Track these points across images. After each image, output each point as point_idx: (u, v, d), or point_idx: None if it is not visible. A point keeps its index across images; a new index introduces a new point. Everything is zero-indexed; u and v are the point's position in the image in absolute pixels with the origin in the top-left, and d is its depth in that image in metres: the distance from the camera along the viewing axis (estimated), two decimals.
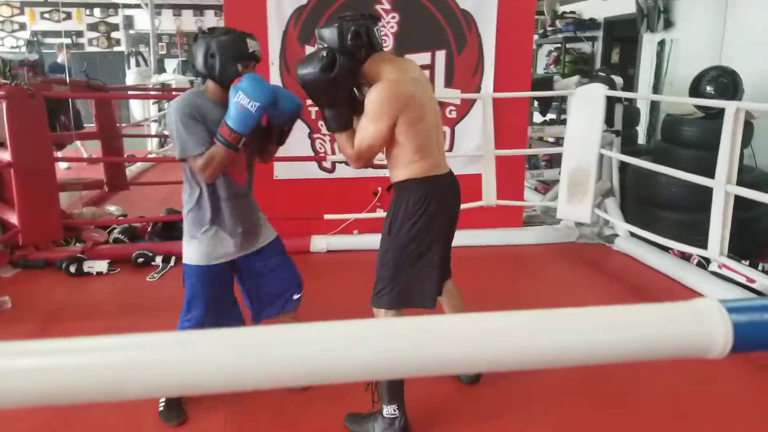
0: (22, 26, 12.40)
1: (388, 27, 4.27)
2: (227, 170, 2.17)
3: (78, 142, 6.78)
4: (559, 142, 5.24)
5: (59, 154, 5.45)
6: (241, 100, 2.00)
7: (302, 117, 4.32)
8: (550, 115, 6.67)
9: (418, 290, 2.19)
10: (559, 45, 8.28)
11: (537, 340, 0.48)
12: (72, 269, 3.87)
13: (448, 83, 4.41)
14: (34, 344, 0.48)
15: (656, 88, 6.47)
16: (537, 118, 6.13)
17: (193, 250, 2.24)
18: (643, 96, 6.50)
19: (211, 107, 2.14)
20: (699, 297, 0.53)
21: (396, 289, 2.19)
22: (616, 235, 4.47)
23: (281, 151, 4.22)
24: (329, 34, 2.07)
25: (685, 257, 3.88)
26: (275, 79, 4.24)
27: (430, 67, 4.36)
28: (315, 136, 4.39)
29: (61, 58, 8.56)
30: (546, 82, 5.06)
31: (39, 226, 3.93)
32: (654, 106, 6.34)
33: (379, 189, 4.40)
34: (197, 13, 12.82)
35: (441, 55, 4.36)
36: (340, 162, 4.38)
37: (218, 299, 2.31)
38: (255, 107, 2.00)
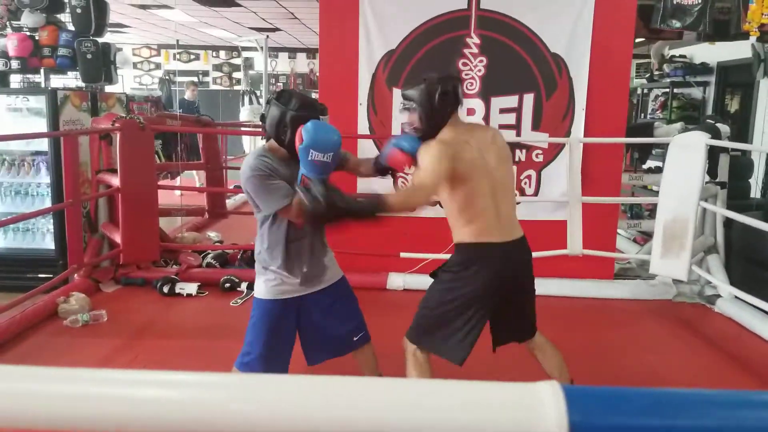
0: (158, 66, 13.75)
1: (475, 71, 4.28)
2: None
3: (194, 172, 7.33)
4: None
5: (178, 181, 5.91)
6: (316, 157, 2.04)
7: None
8: (655, 163, 6.32)
9: (444, 345, 2.21)
10: (667, 90, 7.86)
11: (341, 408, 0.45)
12: (165, 289, 4.13)
13: (536, 126, 4.32)
14: (96, 372, 0.52)
15: None
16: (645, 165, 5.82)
17: (263, 286, 2.32)
18: (752, 147, 5.97)
19: (278, 165, 2.20)
20: None
21: (426, 336, 2.24)
22: (718, 296, 4.08)
23: (364, 188, 4.36)
24: (416, 93, 2.16)
25: None
26: (363, 119, 4.37)
27: (517, 110, 4.30)
28: (398, 174, 4.44)
29: (189, 94, 9.38)
30: (645, 129, 4.80)
31: (139, 247, 4.25)
32: None
33: None
34: (310, 56, 13.57)
35: (529, 98, 4.29)
36: None
37: (280, 337, 2.33)
38: (330, 157, 2.06)
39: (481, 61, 4.26)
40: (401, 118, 4.27)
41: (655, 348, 3.52)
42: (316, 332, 2.39)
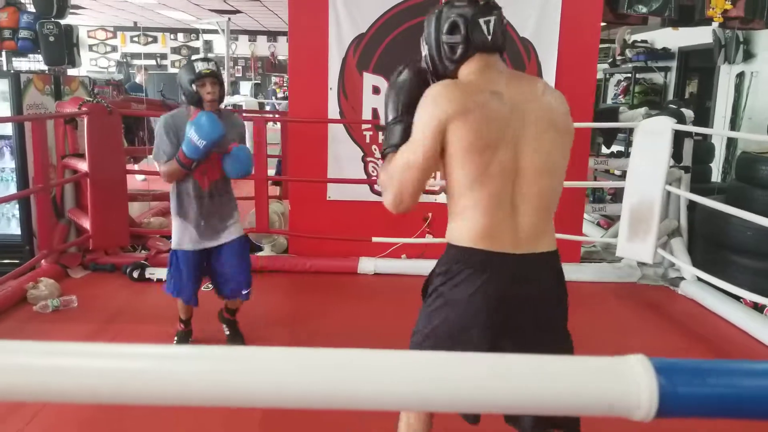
0: (114, 48, 13.31)
1: None
2: (193, 175, 2.68)
3: (152, 156, 7.15)
4: (624, 175, 5.04)
5: (136, 166, 5.76)
6: (192, 135, 2.47)
7: (356, 140, 4.39)
8: (617, 148, 6.45)
9: None
10: (629, 75, 8.02)
11: (449, 382, 0.47)
12: (135, 275, 4.10)
13: None
14: (89, 346, 0.54)
15: (734, 123, 6.12)
16: (605, 149, 5.94)
17: (173, 236, 2.84)
18: (715, 132, 6.16)
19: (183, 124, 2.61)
20: None
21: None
22: (682, 279, 4.22)
23: (335, 173, 4.34)
24: (426, 24, 1.64)
25: (758, 308, 3.60)
26: (333, 103, 4.33)
27: None
28: (368, 159, 4.44)
29: (139, 78, 9.11)
30: (610, 113, 4.90)
31: (109, 233, 4.17)
32: (731, 142, 6.00)
33: (430, 215, 4.37)
34: (270, 39, 13.36)
35: None
36: None
37: (185, 277, 2.83)
38: (202, 144, 2.47)
39: None
40: (372, 103, 4.31)
41: (622, 329, 3.62)
42: (218, 278, 2.92)
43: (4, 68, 4.63)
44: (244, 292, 2.91)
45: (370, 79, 4.30)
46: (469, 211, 1.46)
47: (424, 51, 1.64)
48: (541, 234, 1.49)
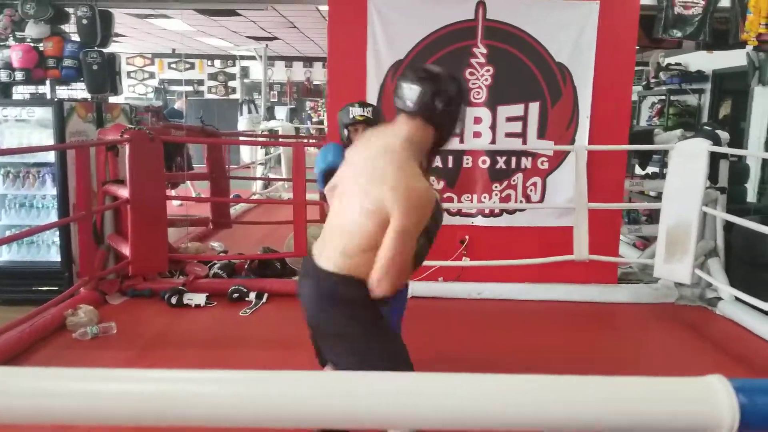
0: (152, 75, 13.74)
1: (482, 80, 4.35)
2: None
3: (188, 182, 7.35)
4: (659, 197, 5.01)
5: (173, 192, 5.92)
6: (315, 168, 2.65)
7: None
8: (652, 169, 6.41)
9: None
10: (663, 97, 7.99)
11: (541, 404, 0.50)
12: (173, 300, 4.09)
13: (541, 134, 4.40)
14: (130, 372, 0.58)
15: None
16: (639, 170, 5.92)
17: None
18: (750, 153, 6.09)
19: None
20: None
21: None
22: (720, 299, 4.17)
23: None
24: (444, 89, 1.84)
25: None
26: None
27: (523, 118, 4.38)
28: None
29: (179, 104, 9.40)
30: (646, 135, 4.90)
31: (148, 259, 4.21)
32: (766, 163, 5.93)
33: (467, 238, 4.41)
34: (306, 64, 13.64)
35: (534, 107, 4.37)
36: None
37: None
38: (318, 172, 2.62)
39: (488, 70, 4.34)
40: None
41: (661, 350, 3.59)
42: None
43: (48, 96, 4.76)
44: None
45: None
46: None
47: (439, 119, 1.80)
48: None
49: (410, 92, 1.73)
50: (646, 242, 5.52)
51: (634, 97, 8.70)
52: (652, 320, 4.05)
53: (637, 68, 8.75)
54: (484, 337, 3.67)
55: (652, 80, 7.99)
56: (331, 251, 1.79)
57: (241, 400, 0.55)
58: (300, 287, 1.91)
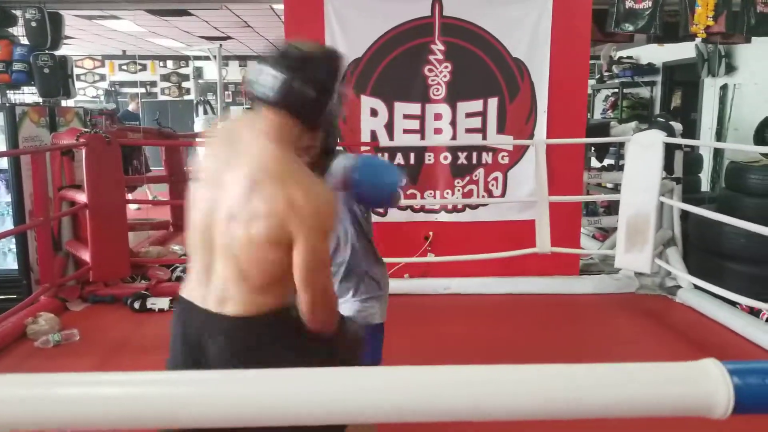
0: (102, 77, 13.35)
1: (441, 76, 4.38)
2: None
3: (145, 186, 7.17)
4: (617, 188, 5.14)
5: (130, 196, 5.78)
6: None
7: None
8: (609, 161, 6.57)
9: None
10: (616, 90, 8.20)
11: (539, 393, 0.50)
12: (136, 305, 4.05)
13: (501, 129, 4.45)
14: (101, 375, 0.58)
15: (720, 134, 6.28)
16: (595, 163, 6.05)
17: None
18: (704, 143, 6.32)
19: None
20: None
21: None
22: (679, 287, 4.30)
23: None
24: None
25: (754, 312, 3.68)
26: None
27: (483, 114, 4.42)
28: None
29: (133, 106, 9.17)
30: (602, 128, 5.01)
31: (109, 264, 4.14)
32: (718, 152, 6.15)
33: (431, 234, 4.43)
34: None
35: (493, 103, 4.42)
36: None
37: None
38: None
39: (446, 66, 4.36)
40: (370, 125, 4.38)
41: (624, 339, 3.68)
42: None
43: None
44: None
45: (368, 102, 4.38)
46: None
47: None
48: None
49: (272, 79, 1.36)
50: (605, 233, 5.65)
51: (589, 91, 8.90)
52: (615, 310, 4.15)
53: (590, 62, 8.99)
54: (455, 331, 3.70)
55: (605, 73, 8.19)
56: (233, 290, 1.38)
57: (209, 399, 0.55)
58: (192, 349, 1.45)
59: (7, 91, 4.71)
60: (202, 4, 5.90)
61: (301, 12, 4.32)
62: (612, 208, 5.79)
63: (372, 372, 0.58)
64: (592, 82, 8.82)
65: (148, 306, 4.06)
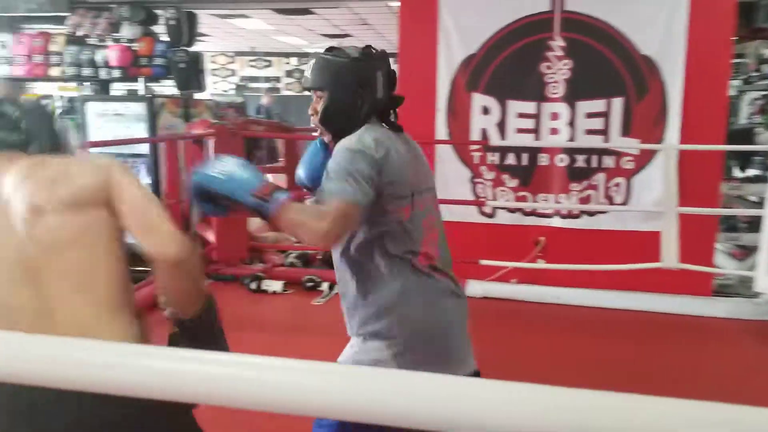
0: (233, 72, 14.23)
1: (559, 74, 4.17)
2: None
3: (269, 175, 7.55)
4: (762, 202, 4.60)
5: None
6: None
7: (464, 160, 4.37)
8: (753, 171, 5.93)
9: None
10: (765, 92, 7.37)
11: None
12: (253, 286, 4.30)
13: (626, 132, 4.15)
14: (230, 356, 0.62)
15: None
16: (737, 173, 5.49)
17: None
18: None
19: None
20: None
21: None
22: None
23: (442, 194, 4.31)
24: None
25: None
26: (441, 124, 4.35)
27: (605, 114, 4.15)
28: (476, 180, 4.40)
29: (266, 100, 9.72)
30: (746, 134, 4.54)
31: (231, 246, 4.49)
32: None
33: (542, 239, 4.23)
34: None
35: (618, 103, 4.13)
36: (501, 208, 4.34)
37: None
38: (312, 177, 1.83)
39: (566, 64, 4.15)
40: (481, 123, 4.27)
41: (758, 371, 3.27)
42: None
43: (140, 93, 5.12)
44: None
45: (479, 100, 4.28)
46: None
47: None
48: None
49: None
50: (745, 252, 5.09)
51: (733, 93, 8.09)
52: (749, 338, 3.71)
53: (735, 61, 8.16)
54: (563, 343, 3.50)
55: (753, 74, 7.38)
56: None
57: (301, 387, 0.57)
58: None
59: (148, 84, 5.16)
60: (322, 3, 6.09)
61: (415, 7, 4.33)
62: (755, 223, 5.19)
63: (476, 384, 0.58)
64: (737, 83, 8.01)
65: (263, 287, 4.29)
